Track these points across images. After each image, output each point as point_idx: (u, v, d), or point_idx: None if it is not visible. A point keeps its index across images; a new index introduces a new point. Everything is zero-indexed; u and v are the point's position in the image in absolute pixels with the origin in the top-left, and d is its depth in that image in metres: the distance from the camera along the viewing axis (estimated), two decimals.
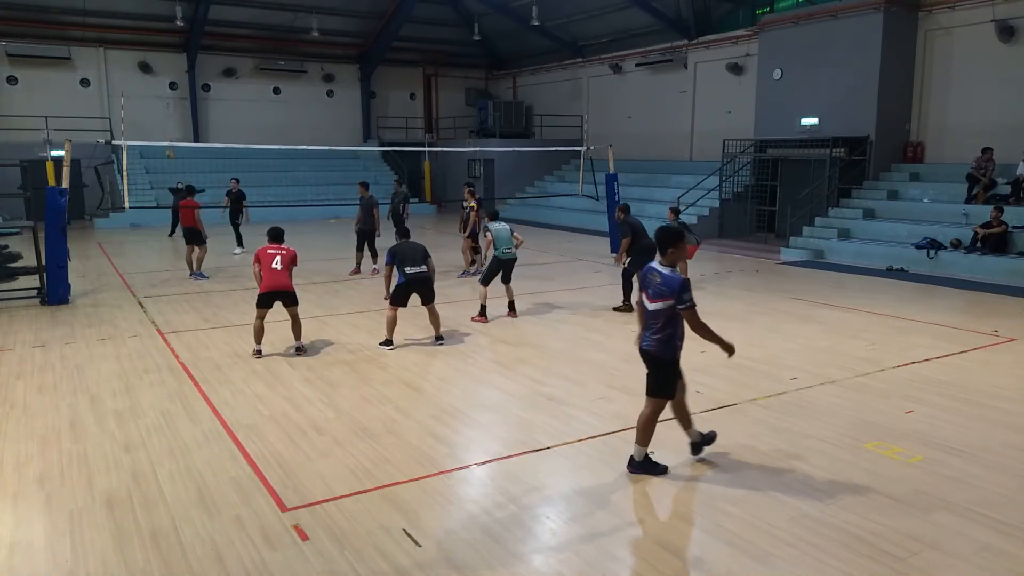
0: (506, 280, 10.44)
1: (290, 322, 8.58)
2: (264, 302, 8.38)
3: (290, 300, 8.47)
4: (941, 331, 9.54)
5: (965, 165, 15.55)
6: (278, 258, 8.37)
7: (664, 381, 5.27)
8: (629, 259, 10.69)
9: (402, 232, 9.15)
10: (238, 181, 17.18)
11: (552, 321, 10.20)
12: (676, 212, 13.55)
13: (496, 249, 10.34)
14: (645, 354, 5.31)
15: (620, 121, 25.83)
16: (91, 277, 13.64)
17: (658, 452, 5.67)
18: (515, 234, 10.58)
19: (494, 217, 10.98)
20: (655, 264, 5.23)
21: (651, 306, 5.18)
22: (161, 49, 26.02)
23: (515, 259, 10.51)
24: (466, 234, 14.06)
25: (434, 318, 8.95)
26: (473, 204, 13.97)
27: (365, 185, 14.39)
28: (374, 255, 13.86)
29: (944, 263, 14.09)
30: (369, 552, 4.24)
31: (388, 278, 8.97)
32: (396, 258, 8.69)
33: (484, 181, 27.05)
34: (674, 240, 5.16)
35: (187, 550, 4.27)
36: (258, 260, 8.41)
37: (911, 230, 15.25)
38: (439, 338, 8.96)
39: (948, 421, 6.33)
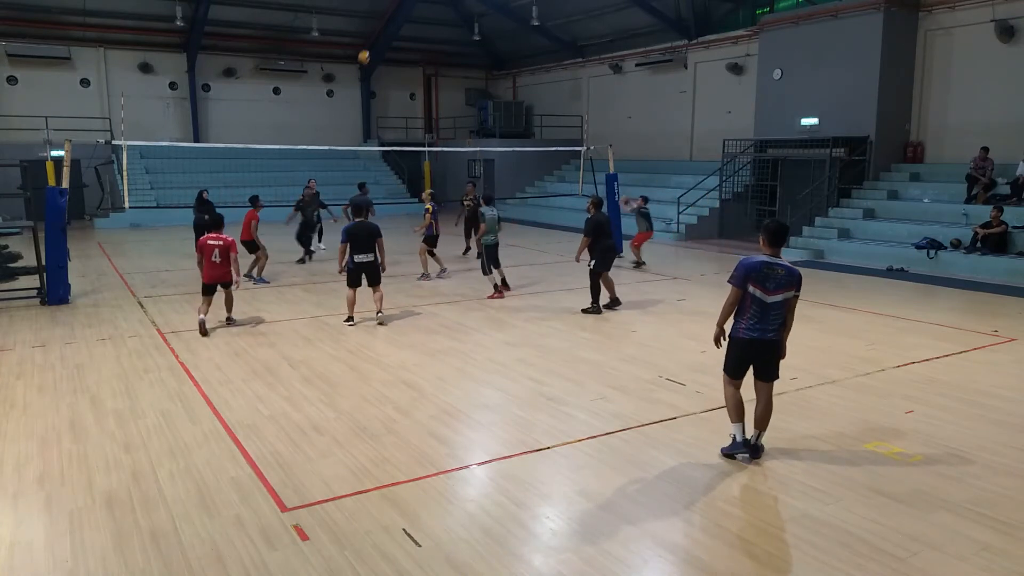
0: (496, 264, 11.81)
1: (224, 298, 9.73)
2: (207, 290, 9.53)
3: (227, 285, 9.69)
4: (941, 331, 9.54)
5: (965, 165, 15.55)
6: (216, 251, 9.36)
7: (779, 363, 5.57)
8: (594, 260, 10.43)
9: (355, 211, 10.17)
10: (315, 182, 17.27)
11: (552, 321, 10.20)
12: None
13: (486, 236, 11.61)
14: (769, 344, 5.43)
15: (620, 121, 25.84)
16: (91, 277, 13.64)
17: (658, 451, 5.68)
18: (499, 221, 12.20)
19: (488, 201, 12.03)
20: (768, 258, 5.34)
21: (773, 298, 5.33)
22: (161, 49, 26.02)
23: (498, 243, 11.87)
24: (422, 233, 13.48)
25: (377, 297, 9.99)
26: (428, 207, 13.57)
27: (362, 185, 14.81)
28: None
29: (944, 263, 14.09)
30: (369, 552, 4.25)
31: (342, 254, 9.89)
32: (349, 238, 9.69)
33: (484, 181, 27.05)
34: (787, 234, 5.52)
35: (187, 550, 4.27)
36: (200, 250, 9.45)
37: (911, 230, 15.24)
38: (379, 313, 9.99)
39: (948, 421, 6.33)
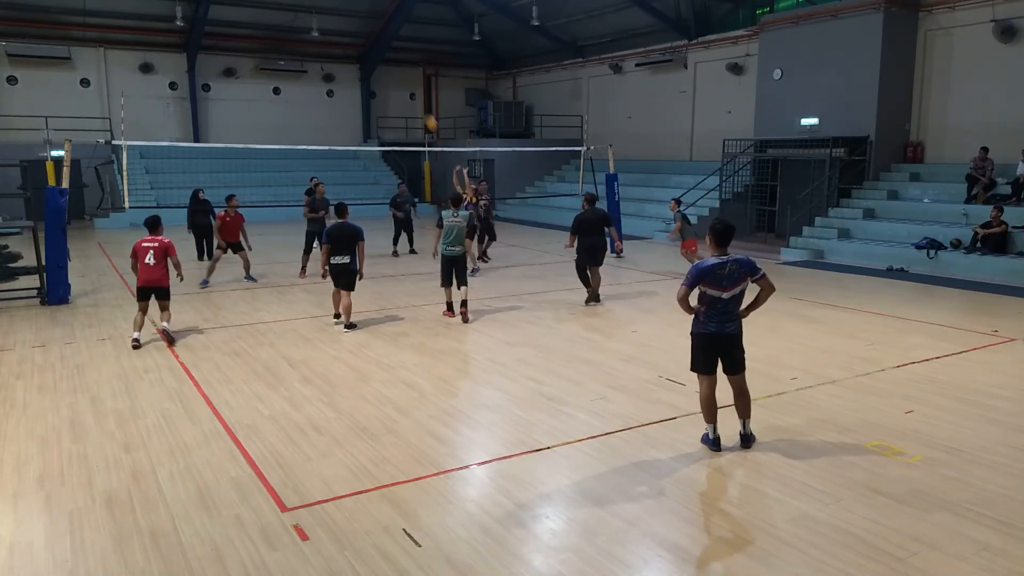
0: (459, 282, 10.09)
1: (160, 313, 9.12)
2: (142, 295, 8.91)
3: (162, 295, 8.96)
4: (941, 331, 9.54)
5: (965, 165, 15.56)
6: (151, 252, 8.75)
7: (743, 355, 5.73)
8: (577, 256, 11.11)
9: (339, 212, 9.83)
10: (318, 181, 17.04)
11: (552, 321, 10.20)
12: (678, 202, 14.44)
13: (443, 243, 10.04)
14: (732, 338, 5.62)
15: (620, 121, 25.84)
16: (91, 277, 13.64)
17: (655, 451, 5.69)
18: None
19: (455, 204, 10.32)
20: (718, 259, 5.49)
21: (731, 293, 5.50)
22: (161, 49, 26.03)
23: (461, 256, 10.11)
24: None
25: (345, 305, 9.68)
26: (475, 200, 13.93)
27: (310, 191, 14.37)
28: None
29: (944, 263, 14.09)
30: (369, 552, 4.25)
31: (325, 255, 9.56)
32: (329, 240, 9.48)
33: (484, 181, 27.05)
34: (733, 233, 5.65)
35: (187, 550, 4.27)
36: (134, 254, 8.81)
37: (911, 230, 15.24)
38: (349, 326, 9.65)
39: (948, 421, 6.33)
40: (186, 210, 15.88)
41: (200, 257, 15.43)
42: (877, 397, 6.96)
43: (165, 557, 4.20)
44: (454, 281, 10.12)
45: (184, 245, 16.04)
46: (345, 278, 9.57)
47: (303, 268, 13.74)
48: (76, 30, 24.54)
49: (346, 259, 9.47)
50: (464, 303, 10.17)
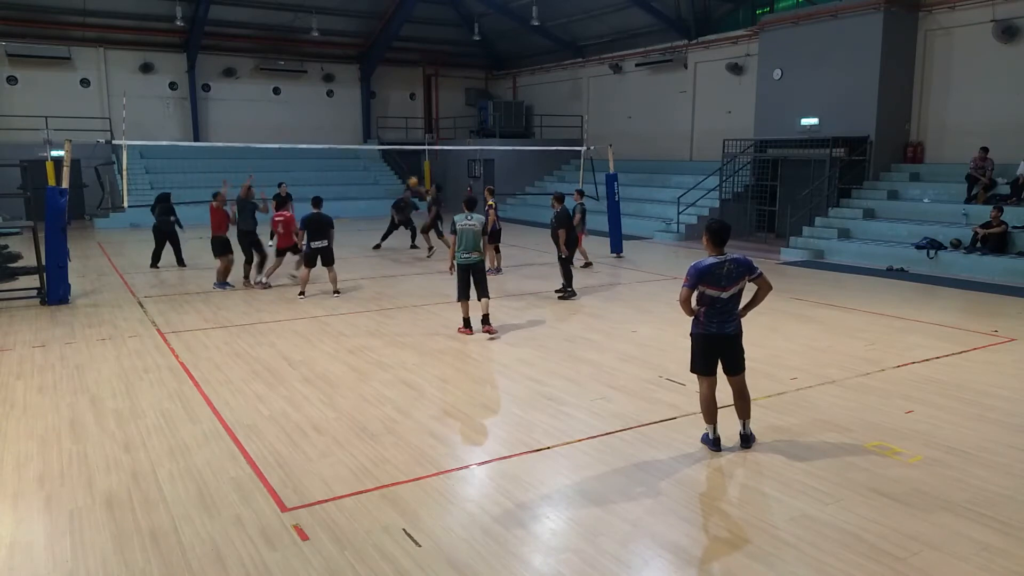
0: (480, 293, 9.18)
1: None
2: (280, 254, 12.59)
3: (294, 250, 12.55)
4: (941, 331, 9.54)
5: (965, 165, 15.56)
6: (280, 223, 12.21)
7: (743, 356, 5.72)
8: (567, 253, 11.75)
9: (314, 203, 11.72)
10: (285, 184, 16.65)
11: (552, 321, 10.20)
12: (581, 194, 14.98)
13: (456, 252, 9.09)
14: (732, 338, 5.62)
15: (620, 121, 25.84)
16: (91, 277, 13.64)
17: (658, 451, 5.69)
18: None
19: (470, 207, 9.31)
20: (716, 259, 5.50)
21: (729, 293, 5.50)
22: (161, 49, 26.03)
23: (479, 263, 9.15)
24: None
25: (331, 276, 11.81)
26: (491, 203, 13.86)
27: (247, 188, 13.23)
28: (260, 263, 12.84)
29: (944, 263, 14.09)
30: (369, 552, 4.25)
31: (300, 238, 11.87)
32: (306, 227, 11.41)
33: (484, 181, 27.04)
34: (729, 233, 5.64)
35: (187, 550, 4.27)
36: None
37: (911, 230, 15.24)
38: (336, 292, 11.78)
39: (948, 421, 6.32)
40: (155, 210, 14.82)
41: (153, 264, 14.61)
42: (877, 397, 6.96)
43: (165, 557, 4.20)
44: (472, 293, 9.19)
45: (188, 244, 15.89)
46: (326, 255, 11.49)
47: (246, 276, 12.78)
48: (76, 30, 24.53)
49: (325, 243, 11.40)
50: (486, 317, 9.25)
